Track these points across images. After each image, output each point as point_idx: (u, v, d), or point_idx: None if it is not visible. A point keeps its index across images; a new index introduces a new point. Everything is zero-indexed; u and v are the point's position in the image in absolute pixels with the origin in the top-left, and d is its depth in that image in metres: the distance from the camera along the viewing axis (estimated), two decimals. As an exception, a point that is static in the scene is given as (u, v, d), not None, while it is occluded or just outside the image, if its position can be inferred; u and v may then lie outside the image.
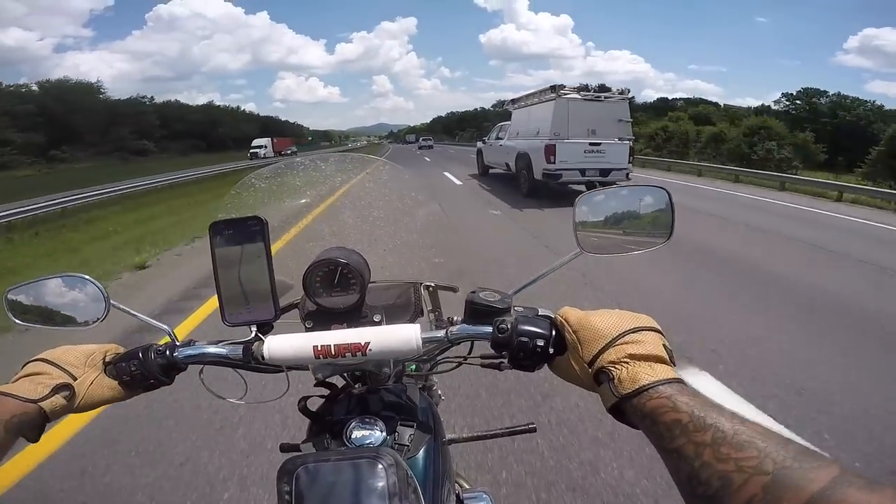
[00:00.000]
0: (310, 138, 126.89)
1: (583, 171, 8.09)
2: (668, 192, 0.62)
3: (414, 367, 0.76)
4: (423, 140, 51.48)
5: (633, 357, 0.43)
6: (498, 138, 11.33)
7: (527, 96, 9.85)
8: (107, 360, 0.57)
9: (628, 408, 0.41)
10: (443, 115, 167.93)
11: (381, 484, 0.46)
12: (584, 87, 8.47)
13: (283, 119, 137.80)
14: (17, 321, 0.63)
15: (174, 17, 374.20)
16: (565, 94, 8.24)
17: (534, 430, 0.94)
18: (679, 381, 0.41)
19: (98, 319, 0.61)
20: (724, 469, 0.32)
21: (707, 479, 0.33)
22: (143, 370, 0.56)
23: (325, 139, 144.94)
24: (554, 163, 7.99)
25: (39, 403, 0.48)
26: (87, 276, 0.62)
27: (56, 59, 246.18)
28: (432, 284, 0.77)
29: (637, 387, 0.40)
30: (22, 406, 0.47)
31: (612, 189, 0.63)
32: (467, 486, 0.89)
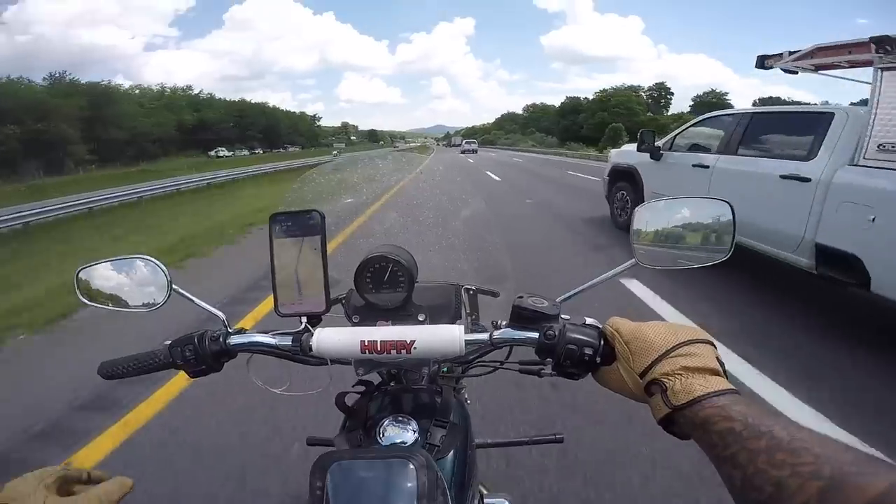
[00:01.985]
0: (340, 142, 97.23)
1: None
2: (730, 206, 0.58)
3: (447, 368, 0.75)
4: (466, 143, 51.66)
5: (687, 369, 0.42)
6: (746, 147, 3.73)
7: None
8: (53, 482, 0.47)
9: (680, 418, 0.41)
10: (518, 111, 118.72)
11: (411, 484, 0.46)
12: None
13: (287, 110, 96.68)
14: (84, 300, 0.65)
15: (248, 16, 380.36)
16: None
17: (561, 441, 0.92)
18: (734, 391, 0.40)
19: (159, 303, 0.62)
20: (778, 475, 0.31)
21: (760, 484, 0.32)
22: (198, 355, 0.57)
23: (372, 139, 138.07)
24: None
25: None
26: (153, 259, 0.63)
27: (145, 58, 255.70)
28: (473, 287, 0.76)
29: (691, 398, 0.40)
30: None
31: (672, 199, 0.60)
32: (486, 491, 0.88)
